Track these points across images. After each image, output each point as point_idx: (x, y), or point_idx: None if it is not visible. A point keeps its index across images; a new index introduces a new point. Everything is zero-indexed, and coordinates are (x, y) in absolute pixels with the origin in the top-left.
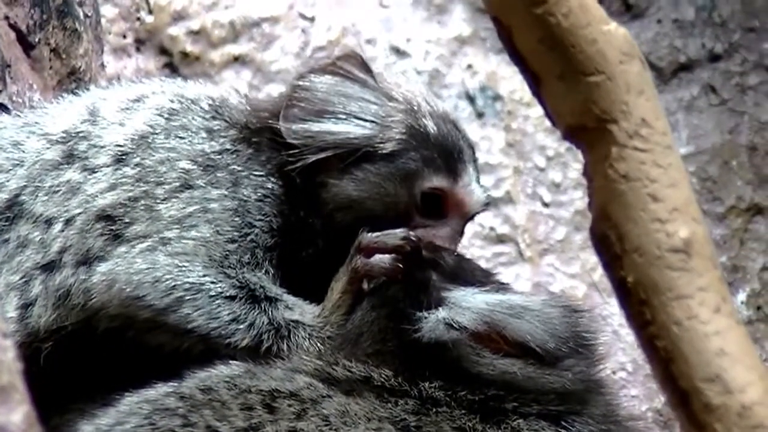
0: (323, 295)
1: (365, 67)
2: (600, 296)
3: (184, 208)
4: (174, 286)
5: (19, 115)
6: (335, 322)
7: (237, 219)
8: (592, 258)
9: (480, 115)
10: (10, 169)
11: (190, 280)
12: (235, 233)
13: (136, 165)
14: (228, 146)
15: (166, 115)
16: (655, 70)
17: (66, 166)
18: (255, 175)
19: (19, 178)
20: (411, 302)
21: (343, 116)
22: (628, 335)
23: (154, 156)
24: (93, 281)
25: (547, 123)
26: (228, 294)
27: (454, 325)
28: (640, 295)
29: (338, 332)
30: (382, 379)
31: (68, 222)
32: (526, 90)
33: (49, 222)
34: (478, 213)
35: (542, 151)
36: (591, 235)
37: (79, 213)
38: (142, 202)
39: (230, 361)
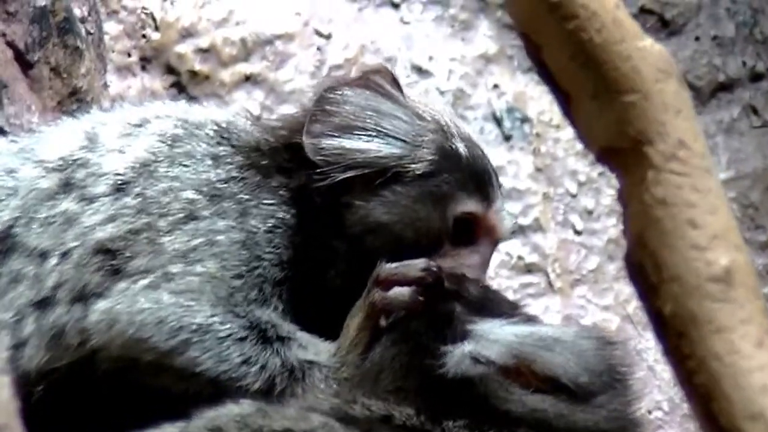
0: (340, 329)
1: (396, 83)
2: (635, 329)
3: (188, 240)
4: (180, 327)
5: (14, 140)
6: (352, 362)
7: (244, 252)
8: (626, 289)
9: (507, 137)
10: (3, 199)
11: (197, 321)
12: (243, 268)
13: (138, 195)
14: (234, 173)
15: (169, 142)
16: (694, 90)
17: (62, 195)
18: (264, 204)
19: (13, 208)
20: (434, 336)
21: (374, 133)
22: (664, 371)
23: (156, 185)
24: (91, 320)
25: (579, 146)
26: (238, 336)
27: (481, 359)
28: (678, 328)
29: (356, 372)
30: (404, 418)
31: (64, 255)
32: (555, 111)
33: (43, 255)
34: (505, 241)
35: (573, 176)
36: (626, 264)
37: (76, 246)
38: (144, 234)
39: (241, 400)
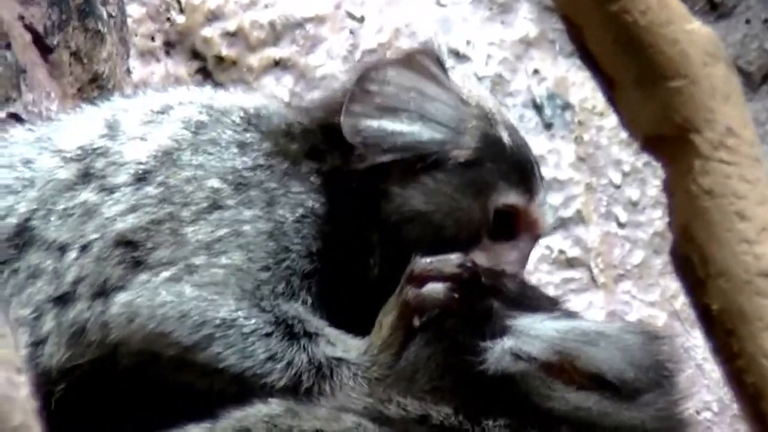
0: (372, 323)
1: (441, 64)
2: (682, 326)
3: (213, 231)
4: (203, 322)
5: (31, 129)
6: (384, 362)
7: (272, 243)
8: (673, 284)
9: (548, 125)
10: (20, 191)
11: (221, 315)
12: (270, 260)
13: (160, 184)
14: (261, 161)
15: (193, 129)
16: (743, 75)
17: (81, 186)
18: (293, 193)
19: (30, 200)
20: (471, 334)
21: (417, 117)
22: (713, 371)
23: (179, 174)
24: (112, 313)
25: (623, 134)
26: (263, 331)
27: (522, 355)
28: (727, 325)
29: (388, 372)
30: (441, 418)
31: (84, 248)
32: (599, 97)
33: (62, 249)
34: (546, 236)
35: (617, 165)
36: (672, 258)
37: (96, 238)
38: (167, 225)
39: (269, 399)
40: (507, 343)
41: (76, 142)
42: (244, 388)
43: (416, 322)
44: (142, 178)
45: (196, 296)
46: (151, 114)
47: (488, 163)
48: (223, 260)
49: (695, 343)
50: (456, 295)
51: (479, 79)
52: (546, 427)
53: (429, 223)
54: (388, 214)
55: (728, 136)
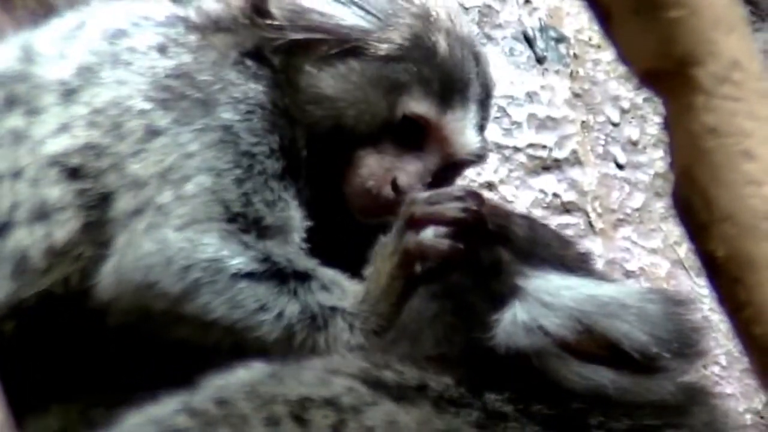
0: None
1: None
2: (687, 275)
3: (160, 161)
4: (189, 266)
5: None
6: (383, 313)
7: (230, 151)
8: (676, 229)
9: (541, 59)
10: None
11: (206, 256)
12: (237, 170)
13: (86, 104)
14: (186, 58)
15: (110, 38)
16: (750, 4)
17: (7, 113)
18: (231, 86)
19: None
20: (480, 293)
21: (347, 1)
22: (721, 322)
23: (103, 94)
24: (104, 285)
25: (621, 68)
26: (248, 270)
27: (536, 330)
28: (733, 273)
29: (387, 324)
30: (441, 389)
31: (16, 175)
32: (595, 29)
33: None
34: (466, 162)
35: (615, 102)
36: (673, 202)
37: (29, 163)
38: (107, 159)
39: (252, 364)
40: (519, 314)
41: None
42: (238, 342)
43: (418, 268)
44: (67, 96)
45: (180, 239)
46: (68, 31)
47: (410, 64)
48: (191, 188)
49: (701, 293)
50: (461, 245)
51: (466, 9)
52: (554, 401)
53: (331, 108)
54: (300, 92)
55: (733, 69)
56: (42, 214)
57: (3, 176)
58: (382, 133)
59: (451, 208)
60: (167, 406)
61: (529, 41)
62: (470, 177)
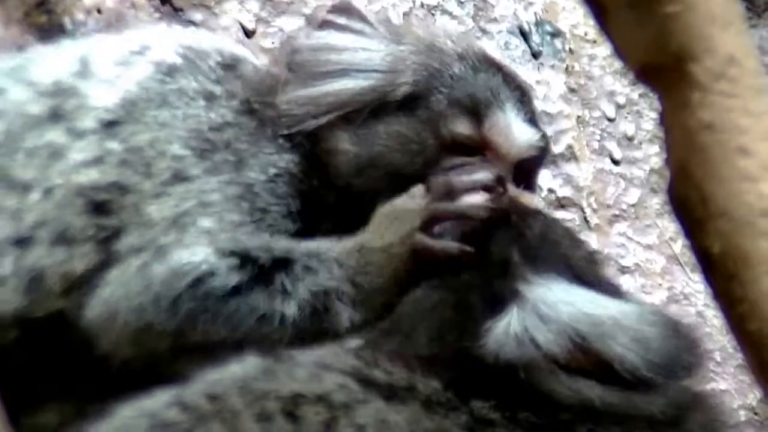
0: None
1: (360, 15)
2: (682, 271)
3: (176, 205)
4: (176, 298)
5: (10, 57)
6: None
7: (245, 204)
8: (671, 225)
9: (536, 54)
10: None
11: (188, 281)
12: (246, 217)
13: (123, 141)
14: (229, 118)
15: (162, 75)
16: (746, 1)
17: (50, 125)
18: (264, 153)
19: None
20: (482, 291)
21: (340, 72)
22: (715, 317)
23: (142, 135)
24: (93, 315)
25: (617, 63)
26: (233, 284)
27: (528, 344)
28: (728, 269)
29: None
30: (428, 392)
31: (47, 192)
32: (591, 24)
33: (26, 188)
34: (531, 160)
35: (611, 97)
36: (669, 198)
37: (60, 184)
38: (130, 198)
39: (245, 358)
40: (513, 325)
41: (50, 76)
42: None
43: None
44: (107, 127)
45: (162, 270)
46: (126, 55)
47: (433, 94)
48: (192, 230)
49: (696, 289)
50: (473, 250)
51: (460, 3)
52: (542, 411)
53: (383, 166)
54: (338, 170)
55: (729, 65)
56: (64, 239)
57: (33, 188)
58: (437, 164)
59: (474, 207)
60: (159, 399)
61: (525, 36)
62: None
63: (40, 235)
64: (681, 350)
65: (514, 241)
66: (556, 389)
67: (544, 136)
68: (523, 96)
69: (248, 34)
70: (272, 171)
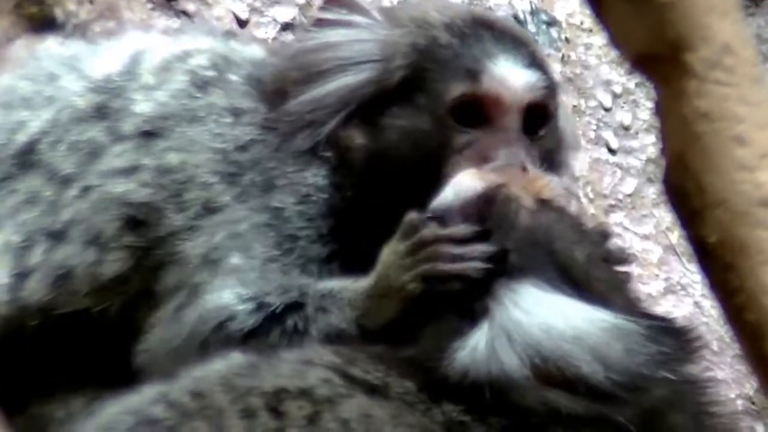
0: None
1: (351, 5)
2: (679, 261)
3: (208, 240)
4: (204, 341)
5: (67, 45)
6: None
7: (272, 234)
8: (668, 215)
9: None
10: (36, 108)
11: (212, 324)
12: (275, 250)
13: (156, 157)
14: (255, 135)
15: (193, 89)
16: None
17: (94, 121)
18: (292, 172)
19: (44, 121)
20: (460, 305)
21: (339, 69)
22: (712, 308)
23: (173, 153)
24: (138, 361)
25: (613, 53)
26: (249, 328)
27: (492, 365)
28: (725, 259)
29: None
30: (401, 392)
31: (85, 190)
32: (587, 13)
33: (65, 182)
34: (542, 105)
35: (607, 86)
36: (665, 187)
37: (97, 185)
38: (164, 228)
39: (230, 355)
40: (479, 346)
41: (101, 71)
42: None
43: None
44: (143, 137)
45: (194, 316)
46: (170, 59)
47: (429, 71)
48: (221, 268)
49: (693, 279)
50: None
51: None
52: (510, 417)
53: (397, 157)
54: (358, 169)
55: (726, 54)
56: (96, 242)
57: (71, 183)
58: (447, 139)
59: (473, 267)
60: (145, 396)
61: (520, 25)
62: None
63: (73, 233)
64: (647, 363)
65: (503, 257)
66: (524, 401)
67: (547, 78)
68: (518, 45)
69: (241, 24)
70: (303, 191)
